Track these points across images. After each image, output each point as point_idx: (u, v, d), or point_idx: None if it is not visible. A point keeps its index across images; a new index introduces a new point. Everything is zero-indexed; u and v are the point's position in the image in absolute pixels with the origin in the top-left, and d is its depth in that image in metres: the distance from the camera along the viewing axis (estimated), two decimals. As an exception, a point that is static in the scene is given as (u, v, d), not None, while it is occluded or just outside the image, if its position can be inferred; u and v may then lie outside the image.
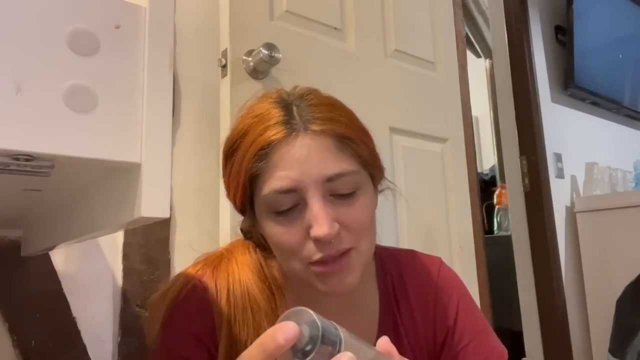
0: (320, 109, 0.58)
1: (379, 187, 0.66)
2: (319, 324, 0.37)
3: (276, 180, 0.55)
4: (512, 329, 2.03)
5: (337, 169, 0.56)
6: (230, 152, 0.60)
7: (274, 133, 0.56)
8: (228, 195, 0.63)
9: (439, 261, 0.76)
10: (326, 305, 0.66)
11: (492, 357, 0.69)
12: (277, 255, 0.62)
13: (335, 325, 0.38)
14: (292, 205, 0.56)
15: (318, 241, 0.55)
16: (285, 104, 0.59)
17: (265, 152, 0.56)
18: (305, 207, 0.56)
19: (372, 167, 0.61)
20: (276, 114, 0.57)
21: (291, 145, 0.55)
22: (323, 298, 0.64)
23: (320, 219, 0.54)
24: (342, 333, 0.38)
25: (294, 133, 0.56)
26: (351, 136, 0.58)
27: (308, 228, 0.55)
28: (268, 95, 0.62)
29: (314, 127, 0.56)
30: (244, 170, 0.57)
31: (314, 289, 0.60)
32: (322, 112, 0.58)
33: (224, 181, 0.63)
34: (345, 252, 0.57)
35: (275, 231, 0.58)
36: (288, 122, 0.56)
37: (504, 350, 0.71)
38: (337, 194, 0.57)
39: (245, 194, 0.59)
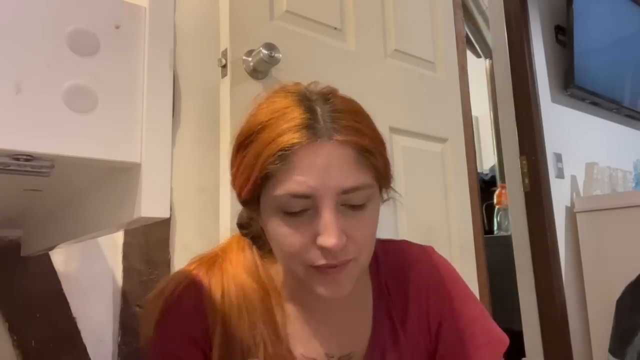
0: (345, 117, 0.57)
1: (384, 197, 0.65)
2: None
3: (293, 184, 0.55)
4: (512, 329, 2.02)
5: (354, 182, 0.55)
6: (245, 143, 0.59)
7: (298, 136, 0.54)
8: (233, 184, 0.62)
9: (430, 250, 0.76)
10: (321, 302, 0.66)
11: (492, 343, 0.68)
12: (277, 254, 0.62)
13: None
14: (303, 208, 0.56)
15: (324, 249, 0.55)
16: (308, 103, 0.58)
17: (286, 153, 0.55)
18: (316, 214, 0.56)
19: (384, 179, 0.61)
20: (299, 114, 0.56)
21: (312, 151, 0.55)
22: (318, 295, 0.64)
23: (330, 230, 0.54)
24: None
25: (318, 140, 0.55)
26: (372, 149, 0.57)
27: (316, 234, 0.55)
28: (287, 89, 0.61)
29: (338, 137, 0.55)
30: (259, 167, 0.56)
31: (309, 288, 0.60)
32: (347, 121, 0.57)
33: (232, 170, 0.62)
34: (346, 262, 0.57)
35: (282, 231, 0.57)
36: (312, 126, 0.55)
37: (503, 335, 0.70)
38: (349, 204, 0.57)
39: (255, 189, 0.58)
